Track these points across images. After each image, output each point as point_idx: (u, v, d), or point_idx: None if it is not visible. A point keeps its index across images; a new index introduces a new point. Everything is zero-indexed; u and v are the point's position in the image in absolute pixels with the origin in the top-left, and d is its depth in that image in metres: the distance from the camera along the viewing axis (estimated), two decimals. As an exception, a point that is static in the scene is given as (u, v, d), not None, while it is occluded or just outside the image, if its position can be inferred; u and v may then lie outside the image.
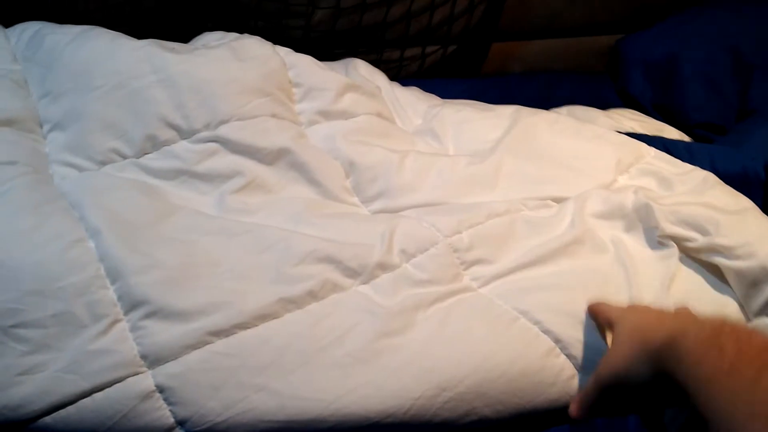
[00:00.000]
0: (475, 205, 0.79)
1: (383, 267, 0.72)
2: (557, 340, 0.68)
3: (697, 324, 0.49)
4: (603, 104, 1.21)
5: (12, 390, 0.62)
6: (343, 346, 0.66)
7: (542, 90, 1.32)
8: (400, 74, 1.34)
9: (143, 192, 0.77)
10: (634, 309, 0.61)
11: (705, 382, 0.44)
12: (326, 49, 1.29)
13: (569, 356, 0.67)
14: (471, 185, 0.83)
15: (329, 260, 0.71)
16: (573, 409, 0.58)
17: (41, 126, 0.84)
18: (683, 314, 0.57)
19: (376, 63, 1.17)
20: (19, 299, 0.64)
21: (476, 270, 0.73)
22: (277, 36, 1.22)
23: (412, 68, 1.37)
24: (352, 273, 0.71)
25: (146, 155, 0.82)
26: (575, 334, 0.68)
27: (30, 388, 0.62)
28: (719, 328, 0.47)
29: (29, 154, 0.79)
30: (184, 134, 0.83)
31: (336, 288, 0.70)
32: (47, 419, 0.62)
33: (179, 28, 1.17)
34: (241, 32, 1.04)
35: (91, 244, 0.69)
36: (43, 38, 0.89)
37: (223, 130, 0.82)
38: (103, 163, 0.81)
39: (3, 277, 0.65)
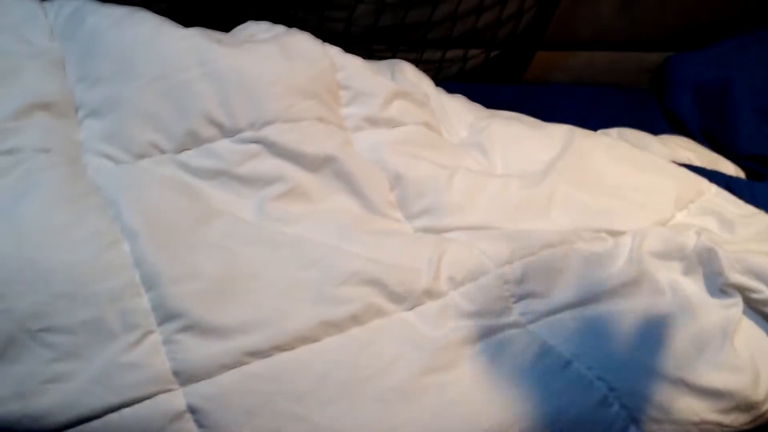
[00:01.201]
0: (527, 233, 0.75)
1: (430, 294, 0.68)
2: (611, 389, 0.64)
3: None
4: (647, 123, 1.17)
5: (36, 399, 0.59)
6: (386, 379, 0.62)
7: (584, 103, 1.28)
8: (438, 76, 1.30)
9: (182, 192, 0.73)
10: None
11: None
12: (366, 45, 1.24)
13: (623, 407, 0.64)
14: (523, 210, 0.79)
15: (374, 283, 0.67)
16: None
17: (77, 111, 0.80)
18: None
19: (415, 62, 1.13)
20: (48, 302, 0.61)
21: (526, 304, 0.70)
22: (317, 28, 1.17)
23: (452, 71, 1.33)
24: (397, 298, 0.68)
25: (185, 151, 0.78)
26: (630, 383, 0.64)
27: (55, 398, 0.59)
28: None
29: (64, 141, 0.75)
30: (227, 132, 0.78)
31: (379, 313, 0.67)
32: (71, 432, 0.59)
33: (218, 13, 1.13)
34: (281, 21, 1.00)
35: (127, 247, 0.66)
36: (83, 17, 0.84)
37: (268, 132, 0.78)
38: (141, 156, 0.77)
39: (33, 277, 0.61)
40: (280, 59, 0.83)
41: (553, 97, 1.27)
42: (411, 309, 0.68)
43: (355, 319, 0.65)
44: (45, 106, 0.77)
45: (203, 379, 0.60)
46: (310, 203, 0.77)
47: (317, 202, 0.78)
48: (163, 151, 0.78)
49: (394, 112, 0.87)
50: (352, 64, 0.90)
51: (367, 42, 1.24)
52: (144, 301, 0.63)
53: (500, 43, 1.30)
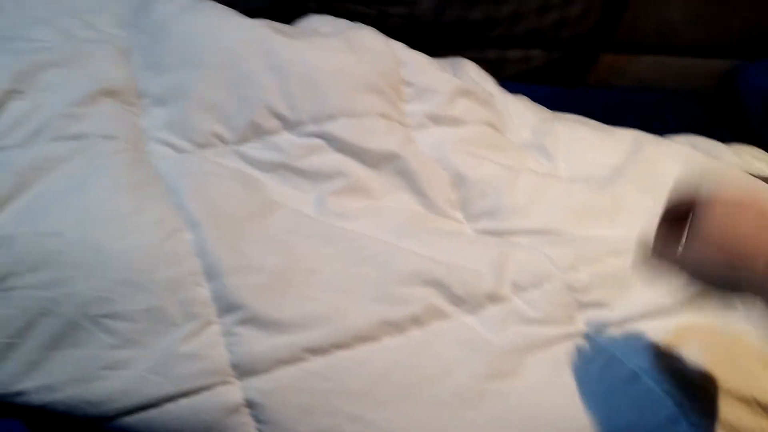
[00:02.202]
0: (593, 240, 0.72)
1: (492, 298, 0.66)
2: (679, 405, 0.61)
3: None
4: (712, 131, 1.13)
5: (95, 384, 0.59)
6: (445, 383, 0.60)
7: (648, 108, 1.24)
8: (499, 75, 1.28)
9: (243, 184, 0.73)
10: (724, 205, 0.52)
11: None
12: (426, 42, 1.23)
13: (692, 424, 0.61)
14: (589, 216, 0.76)
15: (435, 284, 0.66)
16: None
17: (141, 99, 0.80)
18: None
19: (476, 61, 1.11)
20: (111, 288, 0.60)
21: (592, 314, 0.67)
22: (377, 23, 1.16)
23: (513, 71, 1.30)
24: (459, 301, 0.66)
25: (247, 143, 0.77)
26: (699, 401, 0.61)
27: (114, 384, 0.59)
28: None
29: (128, 128, 0.75)
30: (289, 125, 0.78)
31: (440, 315, 0.65)
32: (128, 419, 0.59)
33: (279, 5, 1.12)
34: (341, 15, 0.99)
35: (189, 236, 0.65)
36: (150, 6, 0.85)
37: (330, 126, 0.77)
38: (203, 146, 0.76)
39: (98, 263, 0.61)
40: (345, 53, 0.82)
41: (616, 101, 1.24)
42: (472, 313, 0.66)
43: (415, 320, 0.64)
44: (111, 93, 0.77)
45: (261, 373, 0.60)
46: (370, 199, 0.76)
47: (377, 198, 0.77)
48: (225, 142, 0.77)
49: (458, 111, 0.86)
50: (416, 60, 0.89)
51: (428, 39, 1.22)
52: (205, 292, 0.62)
53: (563, 44, 1.27)
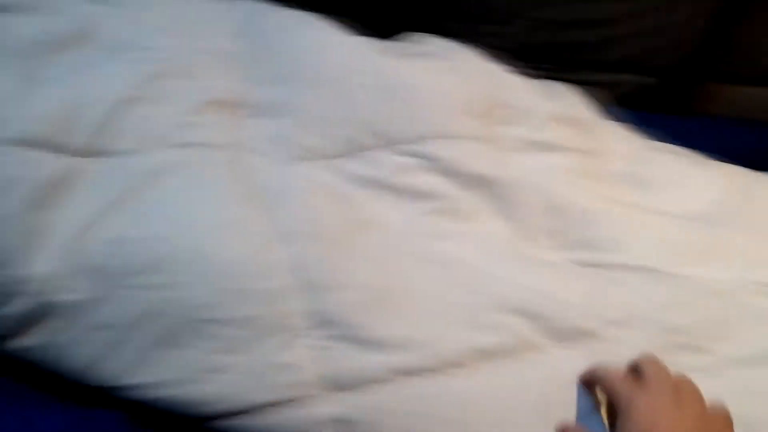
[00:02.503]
0: (692, 280, 0.71)
1: (584, 333, 0.66)
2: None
3: None
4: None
5: (195, 386, 0.61)
6: (536, 415, 0.60)
7: (748, 142, 1.20)
8: (592, 100, 1.26)
9: (340, 199, 0.74)
10: (652, 403, 0.53)
11: None
12: (518, 62, 1.22)
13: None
14: (688, 254, 0.74)
15: (528, 314, 0.66)
16: None
17: (247, 110, 0.82)
18: None
19: (568, 84, 1.10)
20: (214, 295, 0.63)
21: (687, 357, 0.66)
22: (469, 41, 1.16)
23: (606, 95, 1.28)
24: (551, 333, 0.66)
25: (344, 158, 0.79)
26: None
27: (212, 387, 0.61)
28: None
29: (234, 139, 0.78)
30: (387, 143, 0.79)
31: (531, 347, 0.65)
32: (222, 422, 0.61)
33: (374, 21, 1.14)
34: (433, 31, 0.99)
35: (289, 249, 0.67)
36: (259, 20, 0.88)
37: (427, 146, 0.78)
38: (303, 159, 0.78)
39: (204, 270, 0.63)
40: (445, 74, 0.83)
41: (717, 131, 1.20)
42: (564, 346, 0.65)
43: (506, 350, 0.64)
44: (219, 103, 0.80)
45: (352, 390, 0.61)
46: (462, 222, 0.76)
47: (470, 221, 0.77)
48: (323, 156, 0.79)
49: (554, 136, 0.85)
50: (515, 83, 0.89)
51: (520, 59, 1.22)
52: (301, 304, 0.64)
53: (660, 70, 1.25)
